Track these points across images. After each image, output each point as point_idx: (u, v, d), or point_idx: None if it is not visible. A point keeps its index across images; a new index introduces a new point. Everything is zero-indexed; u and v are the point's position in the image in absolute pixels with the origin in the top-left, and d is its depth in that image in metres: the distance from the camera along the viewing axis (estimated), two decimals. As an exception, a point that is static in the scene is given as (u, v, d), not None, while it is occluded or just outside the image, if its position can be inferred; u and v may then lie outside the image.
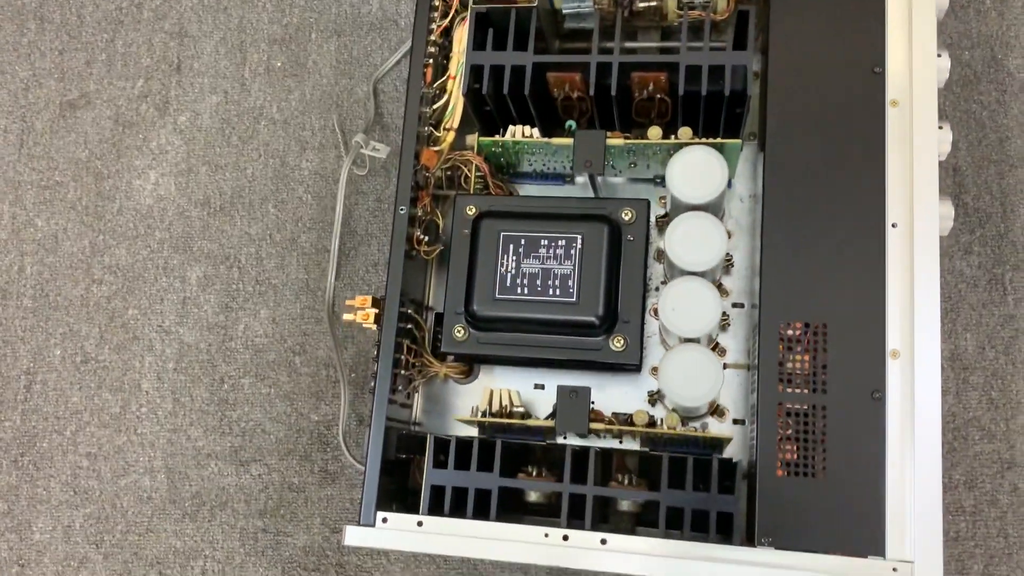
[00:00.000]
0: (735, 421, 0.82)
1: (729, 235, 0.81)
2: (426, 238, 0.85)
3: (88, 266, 1.05)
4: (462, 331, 0.81)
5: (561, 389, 0.78)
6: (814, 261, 0.74)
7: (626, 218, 0.81)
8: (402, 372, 0.82)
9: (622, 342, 0.78)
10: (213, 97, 1.08)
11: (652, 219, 0.84)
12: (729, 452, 0.80)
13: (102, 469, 0.99)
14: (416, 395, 0.89)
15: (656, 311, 0.82)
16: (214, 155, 1.06)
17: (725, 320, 0.83)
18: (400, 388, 0.81)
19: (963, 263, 0.90)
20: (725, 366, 0.84)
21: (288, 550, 0.95)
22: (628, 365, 0.79)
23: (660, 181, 0.87)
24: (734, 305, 0.85)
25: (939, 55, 0.76)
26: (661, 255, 0.83)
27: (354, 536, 0.76)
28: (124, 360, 1.02)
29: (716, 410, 0.81)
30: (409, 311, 0.83)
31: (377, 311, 0.81)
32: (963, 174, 0.92)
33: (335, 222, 0.92)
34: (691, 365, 0.75)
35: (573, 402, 0.77)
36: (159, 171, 1.06)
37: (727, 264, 0.85)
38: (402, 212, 0.82)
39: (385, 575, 0.93)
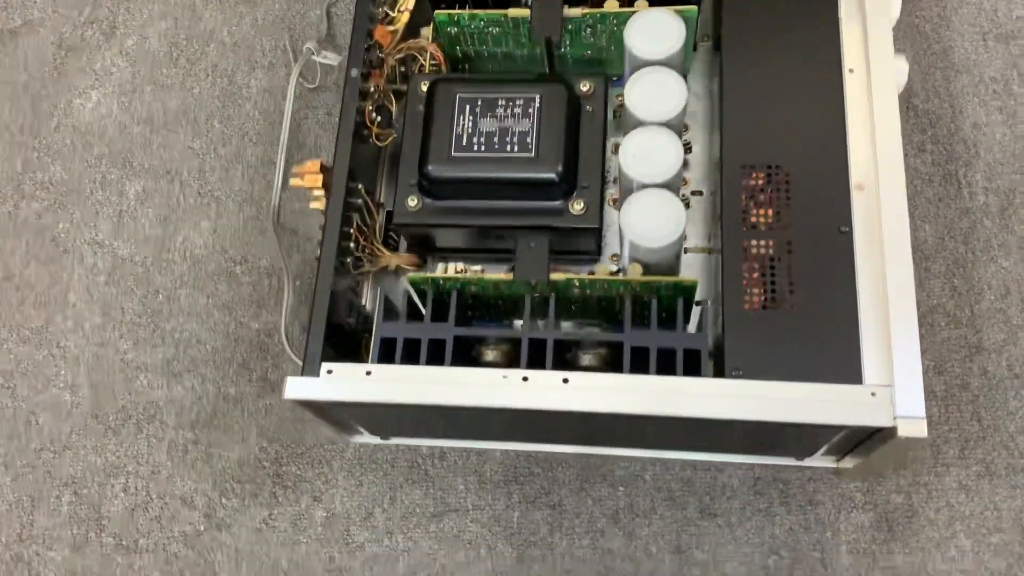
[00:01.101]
0: (696, 303, 0.79)
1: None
2: (379, 118, 0.83)
3: (18, 183, 1.00)
4: (415, 200, 0.78)
5: (520, 239, 0.74)
6: (774, 105, 0.74)
7: (584, 89, 0.80)
8: (351, 246, 0.78)
9: (582, 205, 0.76)
10: (162, 23, 1.05)
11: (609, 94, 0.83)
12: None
13: (18, 386, 0.91)
14: (366, 285, 0.84)
15: (615, 201, 0.81)
16: (160, 76, 1.03)
17: (685, 200, 0.81)
18: (348, 260, 0.77)
19: (917, 160, 0.90)
20: (686, 251, 0.82)
21: (221, 463, 0.87)
22: (588, 228, 0.76)
23: (617, 80, 0.86)
24: (693, 193, 0.84)
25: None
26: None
27: (295, 388, 0.69)
28: (51, 274, 0.95)
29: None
30: (360, 188, 0.80)
31: (325, 176, 0.78)
32: (911, 80, 0.93)
33: (283, 130, 0.89)
34: (653, 206, 0.72)
35: (532, 251, 0.74)
36: (102, 91, 1.03)
37: (686, 145, 0.84)
38: (354, 75, 0.80)
39: (328, 485, 0.85)
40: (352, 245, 0.78)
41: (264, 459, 0.86)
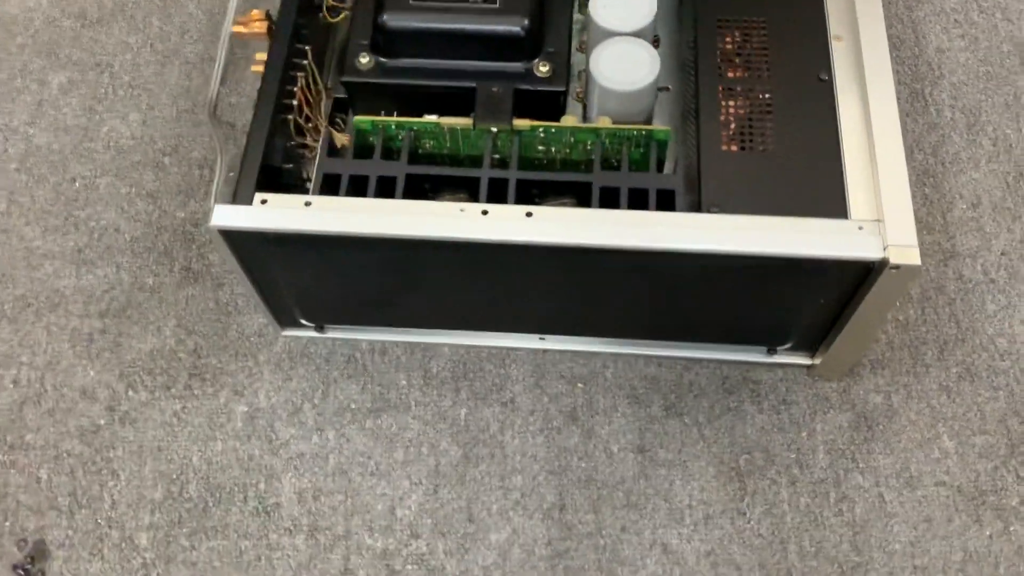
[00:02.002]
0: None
1: None
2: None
3: (-72, 69, 0.91)
4: (367, 58, 0.72)
5: (482, 84, 0.69)
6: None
7: (551, -37, 0.76)
8: (294, 104, 0.71)
9: (548, 68, 0.71)
10: (104, -72, 1.00)
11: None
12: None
13: (-98, 271, 0.81)
14: (311, 172, 0.77)
15: (582, 45, 0.76)
16: (97, -26, 0.97)
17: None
18: (291, 117, 0.71)
19: (883, 79, 0.89)
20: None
21: (130, 353, 0.77)
22: (554, 92, 0.71)
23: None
24: (660, 88, 0.80)
25: None
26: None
27: (223, 216, 0.61)
28: (-46, 159, 0.86)
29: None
30: (308, 50, 0.74)
31: (270, 24, 0.72)
32: (874, 8, 0.93)
33: (225, 20, 0.83)
34: (625, 52, 0.68)
35: (495, 96, 0.68)
36: (31, -13, 0.96)
37: (654, 40, 0.80)
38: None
39: (252, 378, 0.76)
40: (295, 104, 0.72)
41: (181, 351, 0.77)
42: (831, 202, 0.61)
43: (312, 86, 0.75)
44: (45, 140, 0.87)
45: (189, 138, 0.87)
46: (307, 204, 0.62)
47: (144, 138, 0.87)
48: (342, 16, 0.80)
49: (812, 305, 0.66)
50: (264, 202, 0.62)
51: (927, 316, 0.77)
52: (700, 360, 0.75)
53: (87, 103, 0.89)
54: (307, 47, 0.74)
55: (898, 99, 0.87)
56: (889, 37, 0.90)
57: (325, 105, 0.76)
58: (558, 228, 0.60)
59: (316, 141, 0.75)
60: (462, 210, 0.62)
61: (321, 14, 0.78)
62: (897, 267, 0.58)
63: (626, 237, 0.60)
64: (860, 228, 0.59)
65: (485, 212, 0.61)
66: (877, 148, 0.62)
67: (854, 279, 0.61)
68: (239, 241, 0.64)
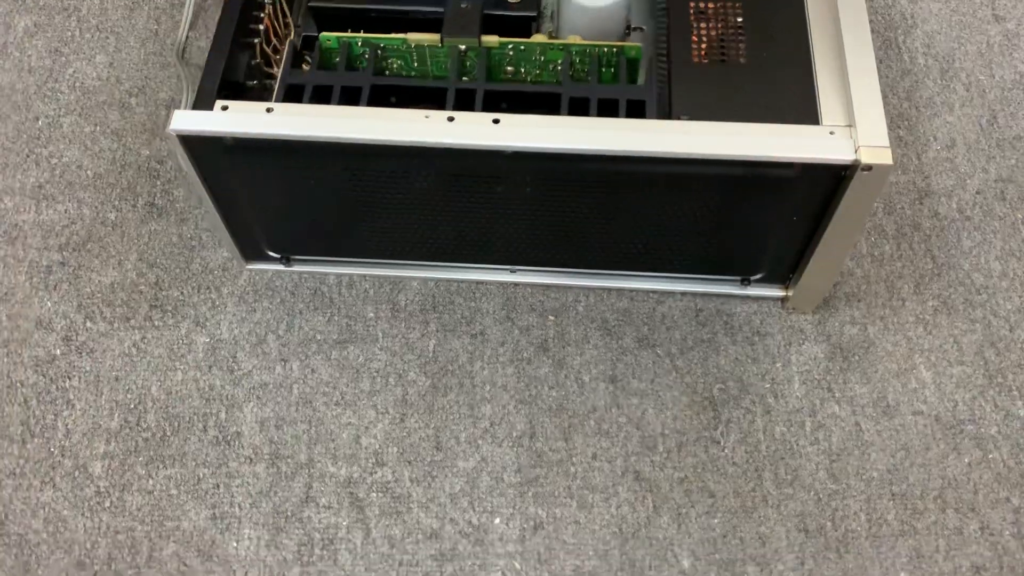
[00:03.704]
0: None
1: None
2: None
3: None
4: (335, -17, 0.71)
5: (451, 1, 0.68)
6: None
7: None
8: (260, 29, 0.70)
9: (518, -7, 0.71)
10: None
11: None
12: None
13: None
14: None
15: None
16: (68, -76, 0.96)
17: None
18: (257, 41, 0.69)
19: (857, 28, 0.89)
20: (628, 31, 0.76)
21: (90, 286, 0.74)
22: (524, 16, 0.70)
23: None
24: (634, 28, 0.79)
25: None
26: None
27: (183, 120, 0.60)
28: (-86, 98, 0.84)
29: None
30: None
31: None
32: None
33: None
34: (596, -29, 0.68)
35: (464, 11, 0.67)
36: (0, -64, 0.95)
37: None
38: None
39: (215, 310, 0.74)
40: (261, 29, 0.71)
41: (142, 284, 0.75)
42: (803, 110, 0.60)
43: (280, 19, 0.74)
44: (8, 80, 0.85)
45: (156, 79, 0.86)
46: (268, 110, 0.61)
47: (110, 79, 0.86)
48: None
49: (784, 223, 0.65)
50: (225, 108, 0.61)
51: (903, 252, 0.76)
52: (673, 293, 0.74)
53: (53, 45, 0.87)
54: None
55: (872, 47, 0.88)
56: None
57: (295, 39, 0.76)
58: (526, 133, 0.59)
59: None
60: (427, 116, 0.60)
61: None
62: (869, 167, 0.57)
63: (595, 141, 0.58)
64: (832, 133, 0.59)
65: (451, 119, 0.60)
66: (848, 58, 0.61)
67: (826, 188, 0.60)
68: (199, 150, 0.62)
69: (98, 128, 0.83)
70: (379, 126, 0.60)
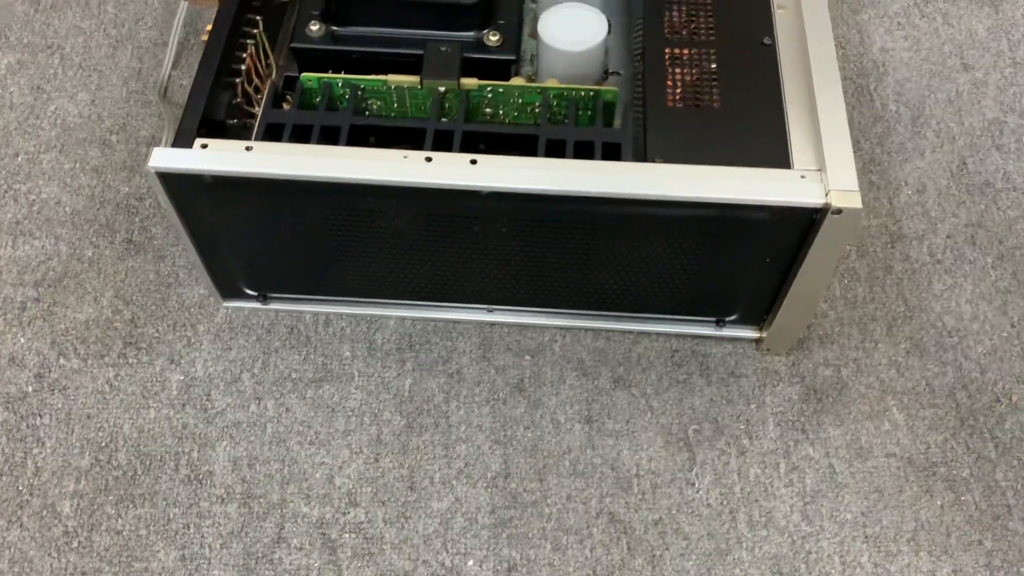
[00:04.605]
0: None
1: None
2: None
3: None
4: (317, 25, 0.72)
5: (431, 43, 0.69)
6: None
7: (503, -53, 0.78)
8: (242, 69, 0.71)
9: (498, 37, 0.71)
10: (64, -77, 1.01)
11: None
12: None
13: None
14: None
15: (535, 33, 0.77)
16: (54, -36, 0.97)
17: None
18: (239, 80, 0.70)
19: (829, 75, 0.91)
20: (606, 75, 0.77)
21: (64, 322, 0.74)
22: (504, 60, 0.71)
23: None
24: (612, 73, 0.81)
25: None
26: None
27: (163, 158, 0.60)
28: None
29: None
30: (259, 20, 0.74)
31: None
32: (821, 11, 0.95)
33: (180, 5, 0.84)
34: (573, 15, 0.69)
35: (443, 54, 0.68)
36: (-14, -26, 0.96)
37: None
38: None
39: (190, 348, 0.73)
40: (244, 69, 0.71)
41: (117, 320, 0.74)
42: (774, 154, 0.61)
43: (263, 59, 0.75)
44: (-11, 116, 0.86)
45: (138, 117, 0.86)
46: (248, 148, 0.61)
47: (92, 117, 0.86)
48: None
49: (757, 266, 0.66)
50: (204, 146, 0.61)
51: (875, 295, 0.77)
52: (649, 333, 0.75)
53: (35, 83, 0.88)
54: (258, 17, 0.74)
55: (844, 94, 0.90)
56: (835, 38, 0.93)
57: (276, 79, 0.76)
58: (502, 173, 0.60)
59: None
60: (406, 156, 0.61)
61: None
62: (839, 211, 0.58)
63: (570, 182, 0.59)
64: (803, 176, 0.60)
65: (429, 159, 0.61)
66: (818, 104, 0.63)
67: (797, 231, 0.61)
68: (178, 188, 0.62)
69: (78, 165, 0.83)
70: (358, 165, 0.60)
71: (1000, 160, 0.85)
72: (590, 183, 0.59)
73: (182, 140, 0.62)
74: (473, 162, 0.61)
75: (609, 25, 0.77)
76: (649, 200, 0.59)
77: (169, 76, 0.87)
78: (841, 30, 0.94)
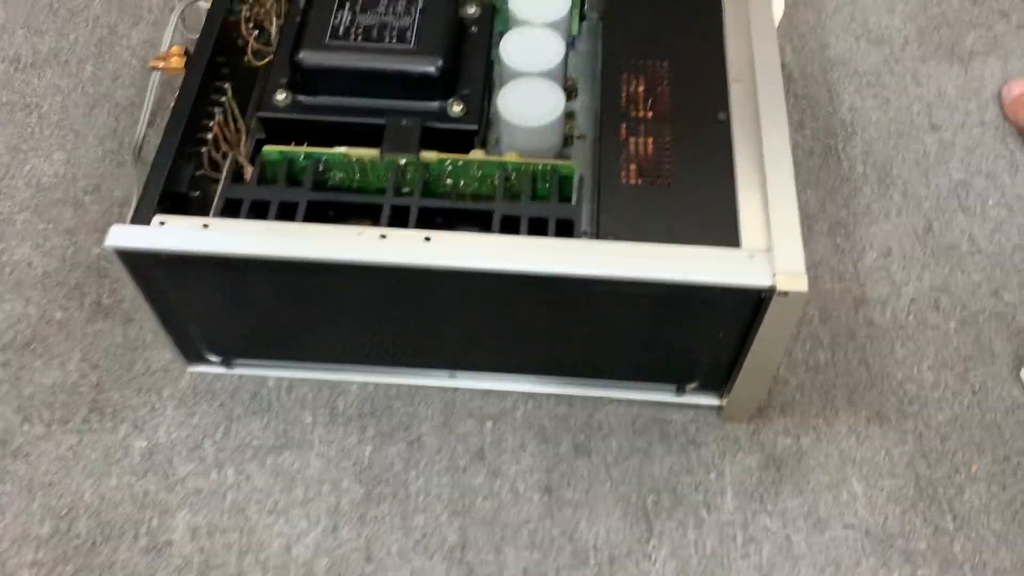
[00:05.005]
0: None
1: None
2: (256, 31, 0.80)
3: None
4: (284, 94, 0.73)
5: (391, 117, 0.70)
6: (652, 7, 0.74)
7: (471, 12, 0.79)
8: (208, 138, 0.72)
9: (462, 107, 0.72)
10: (47, -21, 1.03)
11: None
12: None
13: None
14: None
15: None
16: (36, 22, 0.98)
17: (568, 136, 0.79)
18: (204, 150, 0.71)
19: (798, 135, 0.91)
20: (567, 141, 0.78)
21: (30, 387, 0.75)
22: (467, 131, 0.72)
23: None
24: (577, 137, 0.82)
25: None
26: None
27: (120, 235, 0.61)
28: None
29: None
30: (227, 88, 0.75)
31: (188, 58, 0.73)
32: (790, 68, 0.96)
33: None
34: (532, 90, 0.69)
35: (403, 128, 0.69)
36: (-32, 32, 0.98)
37: (570, 88, 0.82)
38: (229, -30, 0.77)
39: (154, 414, 0.74)
40: (209, 137, 0.72)
41: (83, 385, 0.75)
42: (724, 233, 0.62)
43: (232, 123, 0.76)
44: (-35, 177, 0.87)
45: (112, 178, 0.87)
46: (205, 226, 0.62)
47: (67, 176, 0.87)
48: (267, 60, 0.82)
49: (712, 339, 0.66)
50: (163, 223, 0.62)
51: (837, 361, 0.78)
52: (611, 400, 0.75)
53: (12, 142, 0.89)
54: (227, 84, 0.75)
55: (811, 154, 0.91)
56: (804, 96, 0.94)
57: (247, 145, 0.77)
58: (455, 252, 0.61)
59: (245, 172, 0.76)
60: (360, 233, 0.62)
61: (246, 57, 0.79)
62: (785, 294, 0.58)
63: (520, 262, 0.60)
64: (751, 256, 0.60)
65: (383, 236, 0.62)
66: (769, 182, 0.63)
67: (747, 309, 0.62)
68: (137, 264, 0.63)
69: (51, 226, 0.84)
70: (312, 244, 0.61)
71: (966, 222, 0.86)
72: (540, 262, 0.60)
73: (140, 216, 0.62)
74: (427, 239, 0.61)
75: (568, 93, 0.78)
76: (598, 280, 0.60)
77: (144, 137, 0.88)
78: (811, 88, 0.95)
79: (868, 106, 0.94)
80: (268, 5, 0.83)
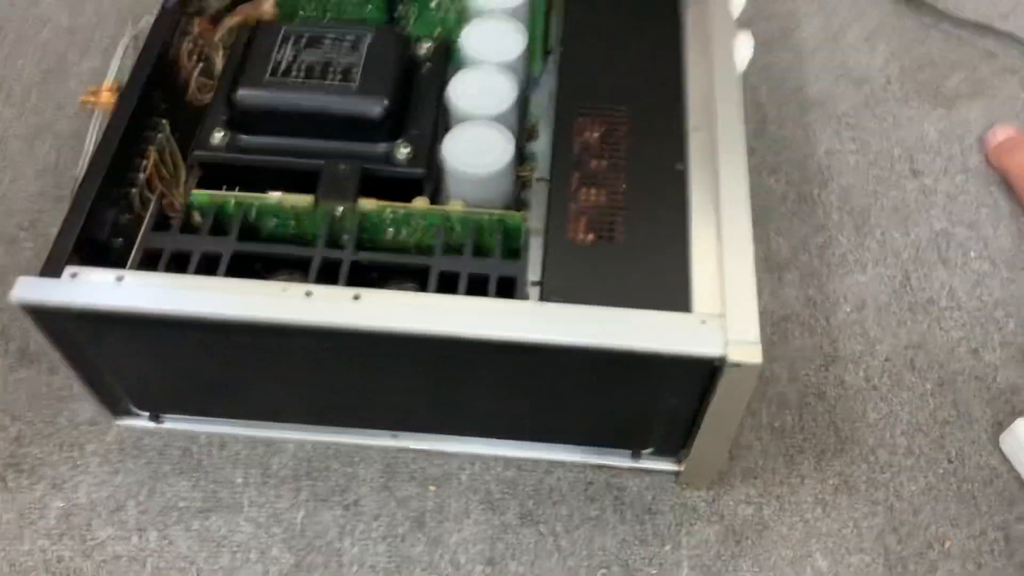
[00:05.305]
0: (533, 283, 0.71)
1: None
2: (200, 64, 0.76)
3: None
4: (222, 133, 0.69)
5: (329, 161, 0.66)
6: (611, 49, 0.70)
7: (423, 51, 0.75)
8: (141, 177, 0.68)
9: (409, 151, 0.68)
10: (-3, 5, 0.99)
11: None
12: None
13: None
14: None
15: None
16: (-19, 49, 0.95)
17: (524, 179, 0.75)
18: (134, 191, 0.67)
19: (771, 180, 0.87)
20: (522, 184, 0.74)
21: (-55, 440, 0.70)
22: (411, 175, 0.68)
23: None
24: (538, 180, 0.78)
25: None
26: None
27: (27, 289, 0.57)
28: None
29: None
30: (165, 124, 0.71)
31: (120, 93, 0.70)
32: (767, 110, 0.92)
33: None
34: (479, 135, 0.65)
35: (340, 173, 0.65)
36: (-90, 58, 0.94)
37: (532, 129, 0.78)
38: (171, 3, 0.73)
39: (75, 471, 0.69)
40: (142, 176, 0.68)
41: (1, 439, 0.71)
42: (675, 296, 0.57)
43: (170, 161, 0.72)
44: None
45: (49, 214, 0.83)
46: (118, 279, 0.58)
47: (1, 212, 0.83)
48: (208, 95, 0.78)
49: (665, 405, 0.62)
50: (74, 275, 0.58)
51: (805, 423, 0.73)
52: (563, 463, 0.70)
53: (-54, 175, 0.86)
54: (164, 121, 0.71)
55: (785, 200, 0.87)
56: (779, 139, 0.90)
57: (185, 187, 0.73)
58: (385, 312, 0.56)
59: (173, 218, 0.72)
60: (284, 290, 0.57)
61: (188, 94, 0.76)
62: (738, 365, 0.54)
63: (454, 325, 0.56)
64: (703, 322, 0.56)
65: (309, 293, 0.57)
66: (724, 240, 0.59)
67: (700, 376, 0.57)
68: (47, 318, 0.59)
69: (-20, 265, 0.80)
70: (231, 301, 0.56)
71: (945, 275, 0.81)
72: (475, 326, 0.55)
73: (51, 267, 0.58)
74: (356, 298, 0.57)
75: (529, 133, 0.74)
76: (538, 346, 0.56)
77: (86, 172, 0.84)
78: (787, 130, 0.91)
79: (847, 149, 0.89)
80: (216, 36, 0.79)
